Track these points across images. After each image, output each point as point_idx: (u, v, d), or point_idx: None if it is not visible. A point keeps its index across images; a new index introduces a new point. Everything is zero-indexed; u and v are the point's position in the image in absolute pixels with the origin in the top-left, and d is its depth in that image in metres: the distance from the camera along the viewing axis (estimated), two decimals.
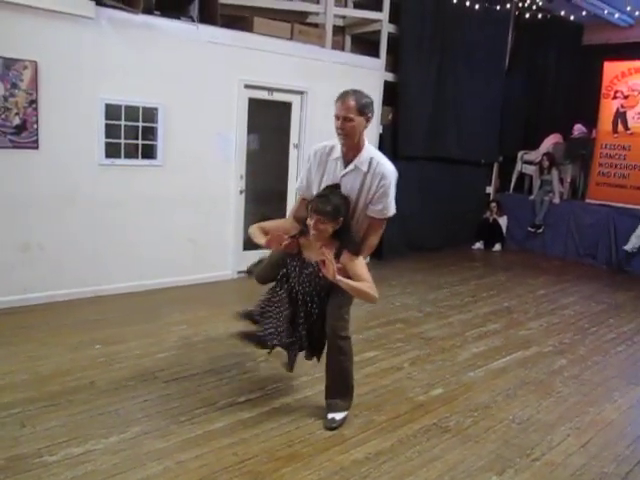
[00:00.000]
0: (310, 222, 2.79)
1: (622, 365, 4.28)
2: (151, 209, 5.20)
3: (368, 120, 2.83)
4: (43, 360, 3.63)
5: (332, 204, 2.76)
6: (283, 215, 6.29)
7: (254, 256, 6.01)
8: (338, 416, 3.06)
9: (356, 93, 2.81)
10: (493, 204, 8.68)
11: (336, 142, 2.90)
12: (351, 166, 2.86)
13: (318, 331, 3.07)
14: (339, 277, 2.71)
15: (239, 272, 5.95)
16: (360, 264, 2.83)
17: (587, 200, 8.26)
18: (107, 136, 4.82)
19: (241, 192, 5.84)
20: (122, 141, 4.93)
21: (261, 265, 3.36)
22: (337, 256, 2.81)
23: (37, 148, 4.47)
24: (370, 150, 2.90)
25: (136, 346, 3.96)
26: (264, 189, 6.24)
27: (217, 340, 4.18)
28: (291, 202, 6.34)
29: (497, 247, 8.56)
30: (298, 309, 3.06)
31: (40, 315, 4.42)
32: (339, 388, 3.10)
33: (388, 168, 2.87)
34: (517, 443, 3.01)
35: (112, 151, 4.89)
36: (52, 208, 4.64)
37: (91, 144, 4.76)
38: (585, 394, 3.69)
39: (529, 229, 8.48)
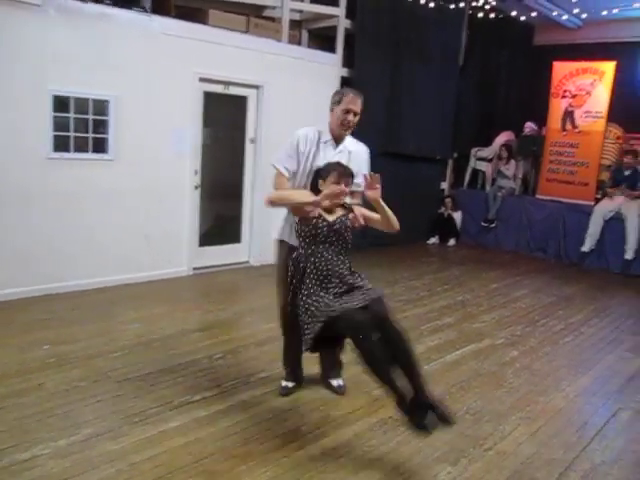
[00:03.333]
0: (333, 188, 3.02)
1: (570, 355, 4.43)
2: (104, 204, 5.05)
3: None
4: None
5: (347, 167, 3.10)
6: (239, 210, 6.26)
7: (210, 252, 6.07)
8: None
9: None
10: (448, 199, 8.84)
11: (319, 128, 3.25)
12: (340, 147, 3.28)
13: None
14: (376, 197, 3.15)
15: (194, 268, 5.87)
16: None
17: (538, 196, 8.51)
18: (55, 129, 4.66)
19: (196, 187, 5.74)
20: (71, 134, 4.78)
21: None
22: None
23: None
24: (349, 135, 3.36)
25: (88, 346, 3.85)
26: (220, 184, 6.16)
27: (172, 338, 4.11)
28: (247, 197, 6.29)
29: (452, 242, 8.71)
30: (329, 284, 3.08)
31: None
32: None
33: (365, 147, 3.44)
34: (470, 434, 3.08)
35: (61, 144, 4.73)
36: None
37: (38, 137, 4.58)
38: (535, 384, 3.80)
39: (482, 224, 8.66)
